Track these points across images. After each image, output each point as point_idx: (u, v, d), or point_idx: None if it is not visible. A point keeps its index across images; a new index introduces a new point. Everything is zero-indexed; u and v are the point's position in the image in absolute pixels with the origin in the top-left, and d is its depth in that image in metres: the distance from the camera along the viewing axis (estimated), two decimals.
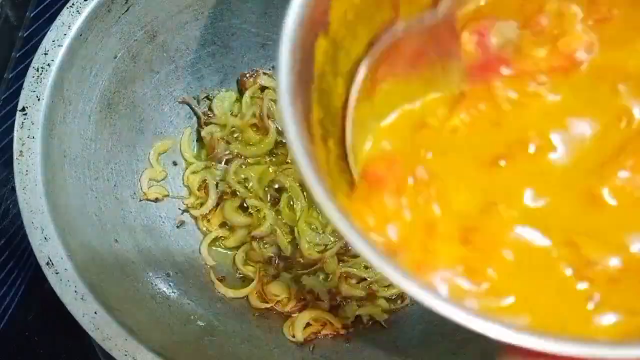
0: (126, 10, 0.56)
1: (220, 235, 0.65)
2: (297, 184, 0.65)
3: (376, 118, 0.32)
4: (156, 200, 0.64)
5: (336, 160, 0.30)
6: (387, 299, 0.62)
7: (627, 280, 0.27)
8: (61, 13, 0.52)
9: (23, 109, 0.51)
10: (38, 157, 0.50)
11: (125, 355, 0.45)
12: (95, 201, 0.56)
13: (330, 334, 0.61)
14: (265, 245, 0.64)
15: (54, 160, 0.52)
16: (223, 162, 0.67)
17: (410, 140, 0.31)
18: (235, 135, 0.67)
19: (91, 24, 0.53)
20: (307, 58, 0.28)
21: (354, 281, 0.62)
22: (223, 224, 0.65)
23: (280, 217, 0.64)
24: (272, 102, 0.67)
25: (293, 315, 0.61)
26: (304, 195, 0.65)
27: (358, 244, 0.24)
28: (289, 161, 0.66)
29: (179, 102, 0.67)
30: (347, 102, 0.31)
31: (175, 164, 0.67)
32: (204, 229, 0.65)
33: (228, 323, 0.59)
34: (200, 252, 0.64)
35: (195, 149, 0.68)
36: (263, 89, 0.68)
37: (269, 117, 0.66)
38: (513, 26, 0.32)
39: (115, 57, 0.58)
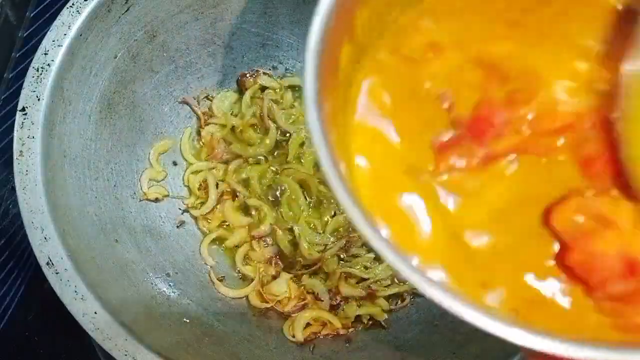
0: (126, 10, 0.56)
1: (220, 235, 0.65)
2: (297, 184, 0.65)
3: None
4: (156, 200, 0.64)
5: None
6: (387, 299, 0.62)
7: None
8: (61, 13, 0.52)
9: (23, 109, 0.51)
10: (38, 157, 0.50)
11: (125, 355, 0.46)
12: (95, 201, 0.56)
13: (330, 334, 0.61)
14: (265, 245, 0.64)
15: (54, 160, 0.52)
16: (223, 162, 0.67)
17: None
18: (235, 135, 0.67)
19: (91, 24, 0.53)
20: (333, 64, 0.28)
21: (353, 281, 0.62)
22: (223, 224, 0.65)
23: (280, 217, 0.64)
24: (272, 102, 0.67)
25: (293, 315, 0.61)
26: (304, 195, 0.65)
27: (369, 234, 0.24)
28: (289, 161, 0.66)
29: (179, 102, 0.67)
30: None
31: (175, 164, 0.67)
32: (204, 229, 0.65)
33: (228, 323, 0.59)
34: (200, 252, 0.64)
35: (195, 149, 0.68)
36: (263, 88, 0.68)
37: (269, 117, 0.66)
38: None
39: (115, 57, 0.58)
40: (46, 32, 0.52)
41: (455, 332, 0.56)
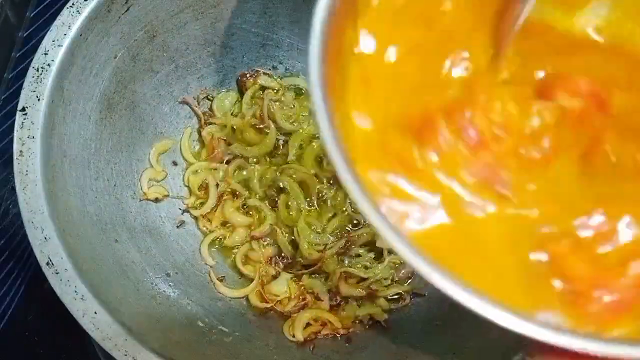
0: (126, 10, 0.56)
1: (220, 235, 0.65)
2: (297, 184, 0.65)
3: None
4: (156, 200, 0.64)
5: None
6: (387, 299, 0.62)
7: None
8: (61, 13, 0.52)
9: (23, 109, 0.51)
10: (38, 157, 0.50)
11: (125, 355, 0.45)
12: (95, 201, 0.56)
13: (330, 334, 0.61)
14: (265, 245, 0.64)
15: (54, 160, 0.52)
16: (223, 162, 0.67)
17: None
18: (235, 136, 0.67)
19: (91, 24, 0.53)
20: (337, 46, 0.28)
21: (353, 281, 0.62)
22: (223, 224, 0.65)
23: (280, 217, 0.64)
24: (273, 102, 0.67)
25: (293, 315, 0.61)
26: (304, 195, 0.65)
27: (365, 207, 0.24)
28: (289, 161, 0.66)
29: (179, 102, 0.67)
30: None
31: (175, 164, 0.67)
32: (204, 229, 0.65)
33: (228, 323, 0.59)
34: (200, 252, 0.64)
35: (196, 149, 0.68)
36: (263, 89, 0.68)
37: (269, 117, 0.66)
38: None
39: (115, 57, 0.57)
40: (46, 32, 0.52)
41: (455, 332, 0.56)
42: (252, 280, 0.63)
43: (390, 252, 0.63)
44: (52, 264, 0.47)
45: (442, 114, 0.31)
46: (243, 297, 0.63)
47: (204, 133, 0.67)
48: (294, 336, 0.60)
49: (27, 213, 0.48)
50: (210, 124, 0.68)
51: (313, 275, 0.63)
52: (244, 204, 0.65)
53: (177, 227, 0.65)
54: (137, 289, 0.55)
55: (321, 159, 0.66)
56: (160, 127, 0.66)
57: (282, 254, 0.64)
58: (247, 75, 0.68)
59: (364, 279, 0.62)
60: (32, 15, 0.64)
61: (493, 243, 0.30)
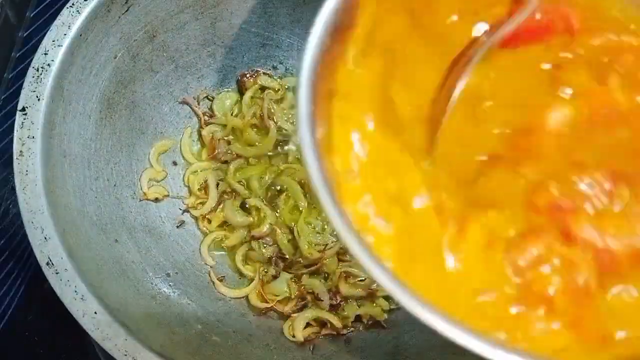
0: (126, 10, 0.56)
1: (220, 235, 0.65)
2: (297, 184, 0.65)
3: None
4: (156, 200, 0.64)
5: None
6: (387, 299, 0.62)
7: None
8: (61, 13, 0.52)
9: (23, 109, 0.51)
10: (38, 157, 0.50)
11: (125, 355, 0.45)
12: (95, 201, 0.56)
13: (330, 334, 0.61)
14: (265, 245, 0.64)
15: (54, 160, 0.52)
16: (223, 162, 0.67)
17: None
18: (235, 136, 0.67)
19: (91, 24, 0.53)
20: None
21: (353, 281, 0.62)
22: (223, 224, 0.65)
23: (280, 217, 0.64)
24: (273, 103, 0.67)
25: (293, 315, 0.61)
26: (304, 195, 0.65)
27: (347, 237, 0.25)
28: (289, 161, 0.66)
29: (179, 102, 0.67)
30: None
31: (175, 164, 0.67)
32: (204, 229, 0.65)
33: (228, 323, 0.59)
34: (200, 252, 0.64)
35: (196, 149, 0.68)
36: (263, 89, 0.68)
37: (269, 117, 0.66)
38: None
39: (115, 57, 0.57)
40: (46, 32, 0.52)
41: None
42: (252, 280, 0.63)
43: None
44: (52, 264, 0.47)
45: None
46: (243, 297, 0.63)
47: (204, 133, 0.67)
48: (294, 336, 0.60)
49: (27, 213, 0.48)
50: (211, 124, 0.68)
51: (313, 275, 0.63)
52: (244, 204, 0.65)
53: (177, 227, 0.64)
54: (137, 289, 0.55)
55: None
56: (160, 127, 0.66)
57: (282, 254, 0.64)
58: (247, 75, 0.68)
59: (363, 279, 0.62)
60: (32, 15, 0.64)
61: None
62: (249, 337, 0.59)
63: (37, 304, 0.69)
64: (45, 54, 0.52)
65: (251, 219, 0.65)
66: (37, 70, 0.51)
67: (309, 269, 0.63)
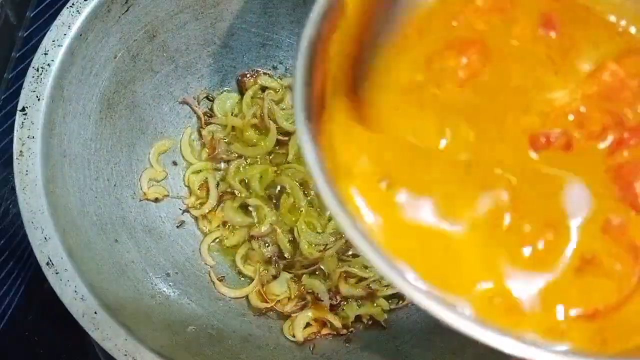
0: (126, 10, 0.56)
1: (220, 235, 0.65)
2: (297, 184, 0.65)
3: None
4: (156, 200, 0.64)
5: None
6: (387, 299, 0.62)
7: None
8: (61, 13, 0.52)
9: (23, 109, 0.51)
10: (38, 157, 0.50)
11: (125, 355, 0.45)
12: (95, 201, 0.56)
13: (330, 334, 0.61)
14: (265, 245, 0.64)
15: (54, 160, 0.52)
16: (224, 162, 0.67)
17: None
18: (236, 136, 0.67)
19: (91, 24, 0.53)
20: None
21: (353, 281, 0.62)
22: (223, 224, 0.65)
23: (280, 217, 0.64)
24: (273, 103, 0.67)
25: (293, 315, 0.61)
26: (305, 195, 0.65)
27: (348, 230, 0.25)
28: (289, 161, 0.66)
29: (179, 102, 0.67)
30: None
31: (175, 164, 0.67)
32: (204, 229, 0.65)
33: (228, 323, 0.59)
34: (200, 252, 0.64)
35: (196, 149, 0.68)
36: (263, 89, 0.68)
37: (269, 117, 0.66)
38: None
39: (115, 57, 0.57)
40: (46, 32, 0.52)
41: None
42: (252, 280, 0.63)
43: None
44: (52, 264, 0.47)
45: None
46: (243, 297, 0.63)
47: (204, 133, 0.67)
48: (294, 336, 0.60)
49: (27, 213, 0.48)
50: (211, 123, 0.68)
51: (313, 275, 0.63)
52: (244, 204, 0.65)
53: (177, 227, 0.64)
54: (137, 289, 0.55)
55: None
56: (160, 127, 0.66)
57: (282, 254, 0.64)
58: (247, 75, 0.68)
59: (363, 279, 0.62)
60: (32, 15, 0.64)
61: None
62: (249, 337, 0.59)
63: (37, 304, 0.69)
64: (45, 54, 0.52)
65: (251, 219, 0.65)
66: (37, 70, 0.51)
67: (309, 269, 0.63)
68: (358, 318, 0.61)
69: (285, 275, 0.63)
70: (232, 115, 0.68)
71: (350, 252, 0.63)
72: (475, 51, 0.33)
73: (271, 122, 0.66)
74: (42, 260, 0.47)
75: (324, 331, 0.61)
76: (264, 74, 0.68)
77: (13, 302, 0.68)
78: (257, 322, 0.61)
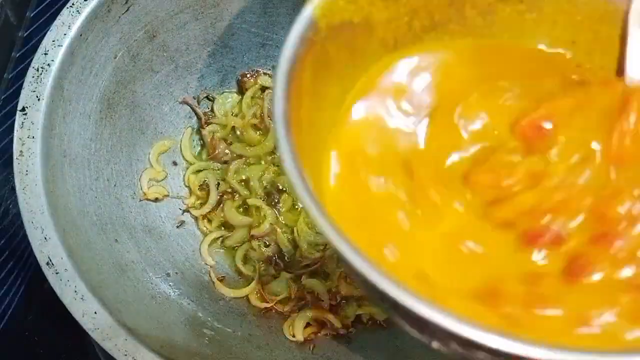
0: (126, 10, 0.56)
1: (221, 235, 0.65)
2: None
3: None
4: (156, 200, 0.64)
5: None
6: None
7: None
8: (61, 13, 0.52)
9: (23, 109, 0.51)
10: (38, 157, 0.50)
11: (125, 355, 0.45)
12: (95, 201, 0.56)
13: (330, 334, 0.61)
14: (265, 245, 0.64)
15: (54, 160, 0.52)
16: (224, 162, 0.67)
17: None
18: (236, 136, 0.67)
19: (91, 24, 0.53)
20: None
21: (353, 281, 0.62)
22: (223, 224, 0.65)
23: (280, 217, 0.64)
24: None
25: (293, 315, 0.61)
26: None
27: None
28: None
29: (179, 102, 0.67)
30: None
31: (175, 164, 0.67)
32: (204, 229, 0.65)
33: (228, 323, 0.59)
34: (200, 252, 0.64)
35: (196, 149, 0.68)
36: (263, 89, 0.68)
37: (269, 117, 0.66)
38: None
39: (115, 57, 0.57)
40: (46, 32, 0.52)
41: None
42: (252, 280, 0.63)
43: None
44: (52, 264, 0.47)
45: None
46: (243, 297, 0.63)
47: (204, 133, 0.67)
48: (294, 336, 0.60)
49: (27, 213, 0.48)
50: (211, 124, 0.68)
51: (313, 275, 0.63)
52: (244, 204, 0.65)
53: (177, 227, 0.64)
54: (137, 289, 0.55)
55: None
56: (160, 127, 0.66)
57: (282, 254, 0.64)
58: (247, 75, 0.68)
59: None
60: (32, 15, 0.64)
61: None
62: (249, 337, 0.59)
63: (37, 304, 0.69)
64: (45, 54, 0.52)
65: (251, 219, 0.64)
66: (37, 70, 0.51)
67: (309, 269, 0.63)
68: (358, 318, 0.61)
69: (285, 275, 0.63)
70: (232, 115, 0.68)
71: None
72: None
73: (271, 122, 0.66)
74: (42, 260, 0.47)
75: (324, 331, 0.61)
76: (264, 74, 0.68)
77: (13, 302, 0.68)
78: (257, 322, 0.61)
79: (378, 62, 0.35)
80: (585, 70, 0.35)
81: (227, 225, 0.65)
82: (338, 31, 0.32)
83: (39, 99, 0.51)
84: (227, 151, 0.66)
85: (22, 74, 0.52)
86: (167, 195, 0.65)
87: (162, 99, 0.65)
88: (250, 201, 0.65)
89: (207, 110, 0.68)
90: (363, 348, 0.60)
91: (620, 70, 0.34)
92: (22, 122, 0.50)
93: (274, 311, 0.62)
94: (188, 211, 0.66)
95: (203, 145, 0.68)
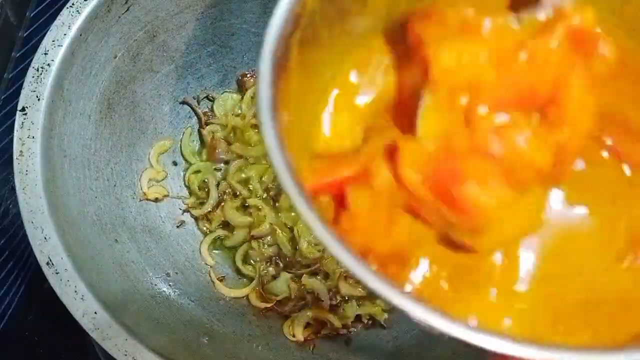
0: (126, 10, 0.56)
1: (220, 235, 0.65)
2: None
3: None
4: (156, 200, 0.64)
5: None
6: None
7: None
8: (61, 13, 0.52)
9: (23, 109, 0.51)
10: (38, 157, 0.50)
11: (125, 355, 0.45)
12: (95, 201, 0.56)
13: (330, 334, 0.61)
14: (265, 245, 0.64)
15: (54, 160, 0.52)
16: (224, 163, 0.67)
17: None
18: (236, 136, 0.67)
19: (91, 24, 0.53)
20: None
21: (353, 280, 0.62)
22: (223, 224, 0.65)
23: (280, 217, 0.64)
24: None
25: (293, 315, 0.61)
26: None
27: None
28: None
29: (179, 102, 0.67)
30: None
31: (175, 164, 0.67)
32: (204, 229, 0.65)
33: (228, 323, 0.59)
34: (200, 252, 0.64)
35: (196, 149, 0.68)
36: None
37: None
38: None
39: (115, 57, 0.57)
40: (46, 32, 0.52)
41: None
42: (252, 280, 0.63)
43: None
44: (52, 264, 0.47)
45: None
46: (243, 297, 0.63)
47: (204, 133, 0.67)
48: (294, 336, 0.60)
49: (27, 213, 0.48)
50: (211, 124, 0.68)
51: (313, 275, 0.63)
52: (244, 204, 0.65)
53: (177, 227, 0.65)
54: (137, 289, 0.55)
55: None
56: (160, 127, 0.66)
57: (282, 254, 0.64)
58: (247, 75, 0.68)
59: None
60: (32, 15, 0.64)
61: None
62: (249, 337, 0.59)
63: (37, 304, 0.69)
64: (45, 54, 0.52)
65: (251, 219, 0.65)
66: (37, 70, 0.51)
67: (309, 269, 0.63)
68: (358, 318, 0.62)
69: (285, 275, 0.63)
70: (232, 115, 0.68)
71: None
72: None
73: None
74: (42, 260, 0.47)
75: (324, 331, 0.61)
76: None
77: (13, 302, 0.68)
78: (257, 322, 0.61)
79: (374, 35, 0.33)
80: None
81: (227, 225, 0.65)
82: (328, 2, 0.30)
83: (39, 99, 0.51)
84: (227, 151, 0.66)
85: (22, 74, 0.52)
86: (167, 195, 0.65)
87: (162, 99, 0.65)
88: (250, 201, 0.65)
89: (207, 110, 0.68)
90: (363, 348, 0.60)
91: None
92: (22, 122, 0.50)
93: (274, 311, 0.62)
94: (188, 211, 0.66)
95: (203, 145, 0.68)
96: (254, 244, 0.64)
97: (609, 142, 0.32)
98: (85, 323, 0.46)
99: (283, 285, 0.62)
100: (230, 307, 0.62)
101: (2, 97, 0.63)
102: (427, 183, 0.28)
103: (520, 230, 0.30)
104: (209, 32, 0.64)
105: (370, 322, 0.62)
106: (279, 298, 0.62)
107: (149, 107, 0.64)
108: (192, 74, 0.66)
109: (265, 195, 0.66)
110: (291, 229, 0.64)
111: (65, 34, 0.52)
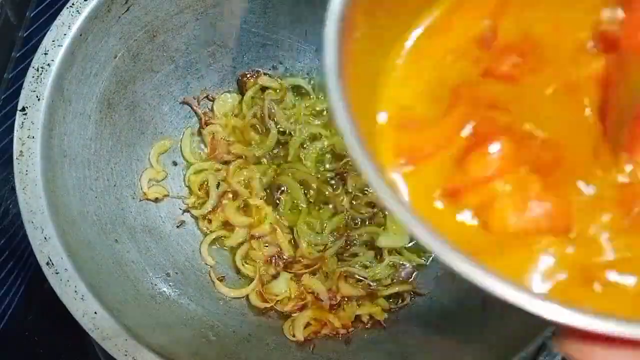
0: (126, 10, 0.56)
1: (221, 235, 0.65)
2: (298, 184, 0.65)
3: None
4: (156, 200, 0.64)
5: None
6: (387, 299, 0.62)
7: None
8: (61, 13, 0.52)
9: (23, 109, 0.51)
10: (38, 157, 0.50)
11: (125, 355, 0.46)
12: (95, 201, 0.56)
13: (330, 333, 0.61)
14: (265, 245, 0.64)
15: (54, 160, 0.52)
16: (224, 163, 0.67)
17: None
18: (236, 136, 0.67)
19: (91, 24, 0.53)
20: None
21: (353, 280, 0.62)
22: (223, 224, 0.65)
23: (280, 217, 0.64)
24: (273, 103, 0.67)
25: (293, 315, 0.61)
26: (305, 195, 0.65)
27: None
28: (290, 161, 0.66)
29: (179, 103, 0.67)
30: None
31: (175, 164, 0.67)
32: (204, 229, 0.65)
33: (228, 323, 0.59)
34: (200, 252, 0.64)
35: (196, 149, 0.68)
36: (263, 89, 0.68)
37: (269, 118, 0.66)
38: None
39: (115, 57, 0.57)
40: (46, 32, 0.52)
41: (455, 332, 0.56)
42: (252, 280, 0.63)
43: (390, 251, 0.63)
44: (52, 264, 0.47)
45: None
46: (243, 297, 0.63)
47: (204, 133, 0.67)
48: (294, 336, 0.60)
49: (27, 213, 0.48)
50: (211, 124, 0.68)
51: (313, 275, 0.63)
52: (244, 204, 0.65)
53: (177, 227, 0.65)
54: (137, 289, 0.55)
55: (322, 159, 0.66)
56: (160, 127, 0.66)
57: (282, 254, 0.64)
58: (248, 76, 0.68)
59: (363, 278, 0.62)
60: (32, 15, 0.64)
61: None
62: (249, 337, 0.59)
63: (37, 304, 0.70)
64: (45, 54, 0.52)
65: (251, 219, 0.65)
66: (37, 70, 0.51)
67: (309, 269, 0.63)
68: (358, 318, 0.61)
69: (285, 275, 0.63)
70: (232, 115, 0.68)
71: (350, 252, 0.63)
72: None
73: (271, 122, 0.66)
74: (42, 260, 0.47)
75: (324, 331, 0.61)
76: (264, 74, 0.68)
77: (13, 302, 0.68)
78: (257, 322, 0.61)
79: None
80: None
81: (227, 225, 0.65)
82: None
83: (39, 99, 0.51)
84: (227, 151, 0.66)
85: (22, 74, 0.52)
86: (167, 195, 0.65)
87: (162, 99, 0.65)
88: (250, 201, 0.65)
89: (207, 110, 0.68)
90: (363, 348, 0.60)
91: None
92: (22, 122, 0.50)
93: (274, 311, 0.62)
94: (188, 211, 0.66)
95: (204, 145, 0.68)
96: (254, 244, 0.64)
97: None
98: (85, 323, 0.46)
99: (283, 285, 0.62)
100: (230, 307, 0.62)
101: (2, 97, 0.63)
102: None
103: None
104: (209, 32, 0.64)
105: (370, 322, 0.62)
106: (279, 298, 0.62)
107: (149, 107, 0.64)
108: (192, 74, 0.66)
109: (265, 195, 0.66)
110: (291, 229, 0.64)
111: (65, 34, 0.52)
